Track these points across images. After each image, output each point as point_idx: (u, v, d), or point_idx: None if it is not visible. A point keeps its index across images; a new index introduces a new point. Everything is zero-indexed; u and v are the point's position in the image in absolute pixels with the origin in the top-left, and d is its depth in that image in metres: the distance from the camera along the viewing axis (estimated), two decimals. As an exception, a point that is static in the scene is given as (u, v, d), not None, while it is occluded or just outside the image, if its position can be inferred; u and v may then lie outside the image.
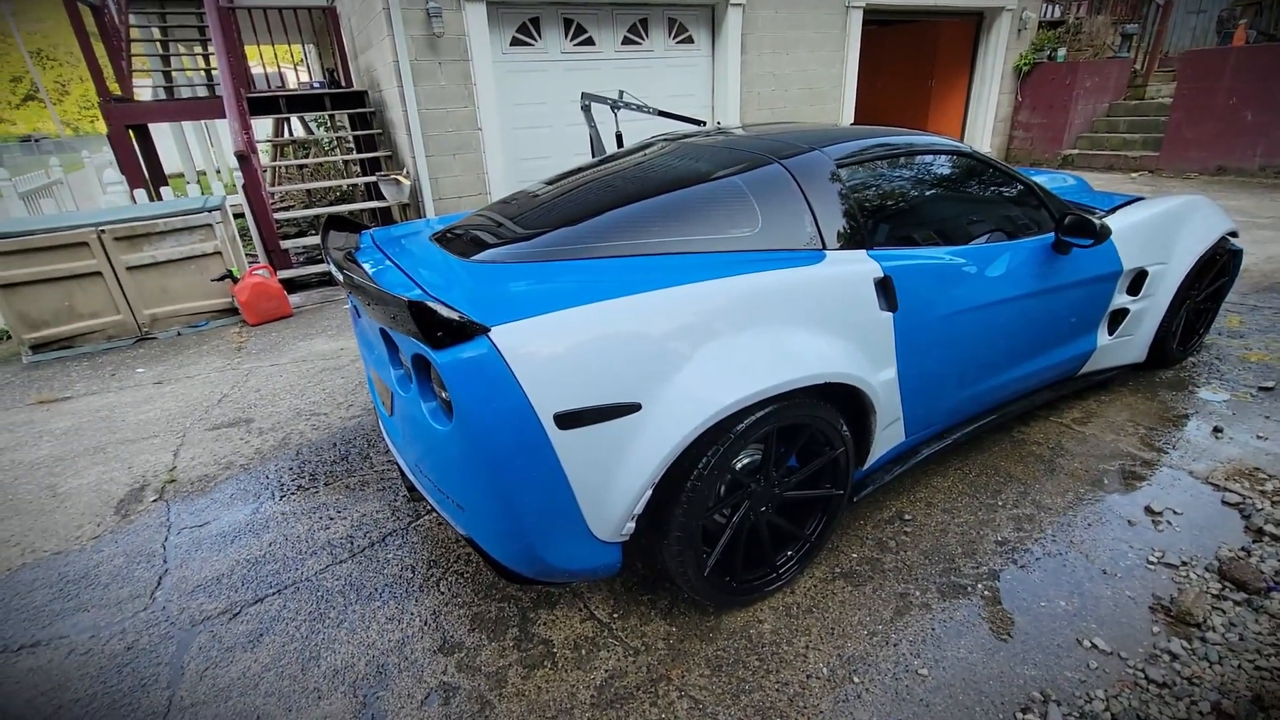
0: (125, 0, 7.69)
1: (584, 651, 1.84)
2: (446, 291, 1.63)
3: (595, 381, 1.50)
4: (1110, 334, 2.83)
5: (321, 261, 6.04)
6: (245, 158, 5.37)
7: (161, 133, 10.20)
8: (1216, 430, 2.72)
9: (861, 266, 1.91)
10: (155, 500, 2.68)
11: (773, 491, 1.86)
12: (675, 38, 7.38)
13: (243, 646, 1.91)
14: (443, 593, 2.08)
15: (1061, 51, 9.50)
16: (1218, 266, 3.16)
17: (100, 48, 7.23)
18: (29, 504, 2.70)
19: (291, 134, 10.06)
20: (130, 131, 7.15)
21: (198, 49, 9.33)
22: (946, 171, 2.42)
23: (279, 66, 9.40)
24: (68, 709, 1.74)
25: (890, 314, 1.94)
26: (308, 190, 8.58)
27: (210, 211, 4.70)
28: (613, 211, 1.91)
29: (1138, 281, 2.80)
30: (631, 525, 1.65)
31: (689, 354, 1.60)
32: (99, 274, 4.40)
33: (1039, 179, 2.99)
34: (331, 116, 8.51)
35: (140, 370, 4.10)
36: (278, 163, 9.18)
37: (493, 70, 6.36)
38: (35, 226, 4.29)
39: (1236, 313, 3.95)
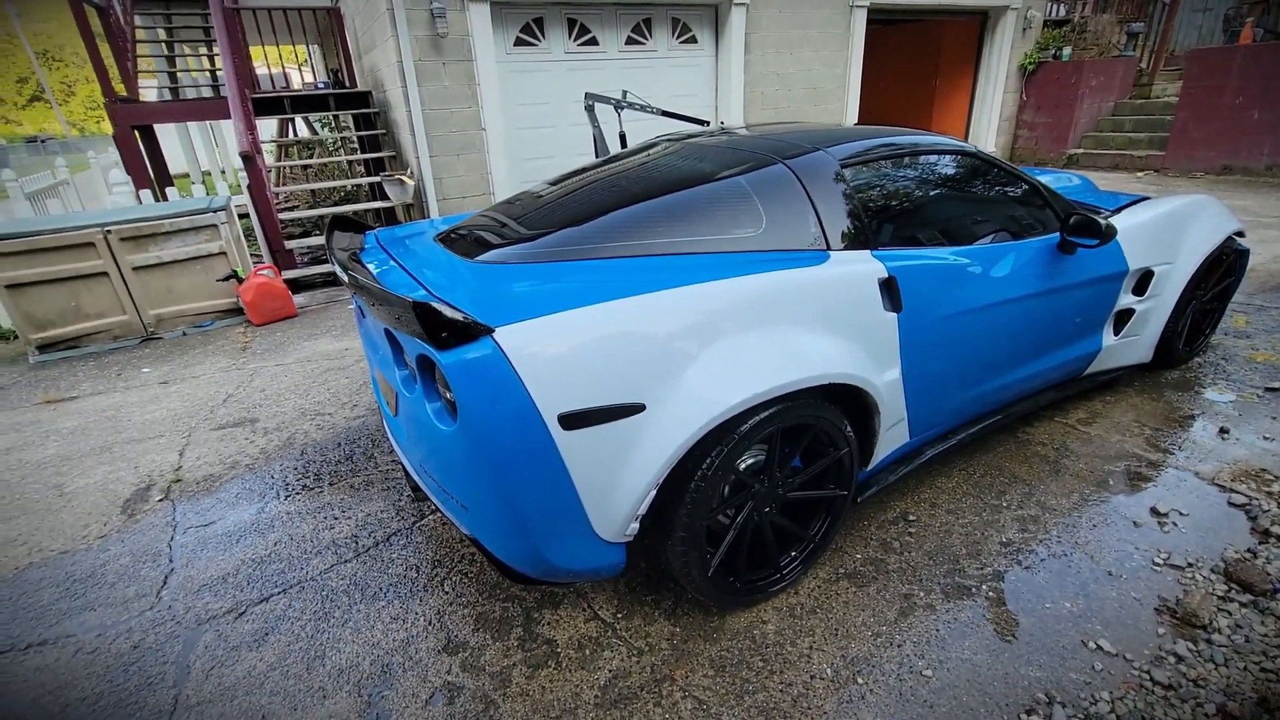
0: (130, 1, 7.71)
1: (588, 651, 1.85)
2: (451, 292, 1.63)
3: (599, 382, 1.50)
4: (1116, 334, 2.82)
5: (326, 262, 6.07)
6: (250, 158, 5.39)
7: (167, 133, 10.22)
8: (1223, 431, 2.71)
9: (866, 267, 1.91)
10: (161, 500, 2.69)
11: (777, 492, 1.86)
12: (679, 37, 7.38)
13: (248, 646, 1.92)
14: (447, 592, 2.09)
15: (1067, 50, 9.47)
16: (1224, 266, 3.15)
17: (106, 48, 7.25)
18: (36, 503, 2.72)
19: (296, 134, 10.09)
20: (136, 132, 7.18)
21: (203, 49, 9.36)
22: (951, 171, 2.41)
23: (284, 67, 9.45)
24: (74, 707, 1.75)
25: (894, 314, 1.94)
26: (312, 190, 8.61)
27: (215, 212, 4.71)
28: (616, 212, 1.91)
29: (1143, 281, 2.78)
30: (635, 525, 1.65)
31: (693, 355, 1.60)
32: (105, 274, 4.42)
33: (1044, 178, 2.98)
34: (336, 117, 8.54)
35: (146, 370, 4.12)
36: (282, 163, 9.22)
37: (496, 70, 6.37)
38: (41, 227, 4.31)
39: (1243, 313, 3.93)
